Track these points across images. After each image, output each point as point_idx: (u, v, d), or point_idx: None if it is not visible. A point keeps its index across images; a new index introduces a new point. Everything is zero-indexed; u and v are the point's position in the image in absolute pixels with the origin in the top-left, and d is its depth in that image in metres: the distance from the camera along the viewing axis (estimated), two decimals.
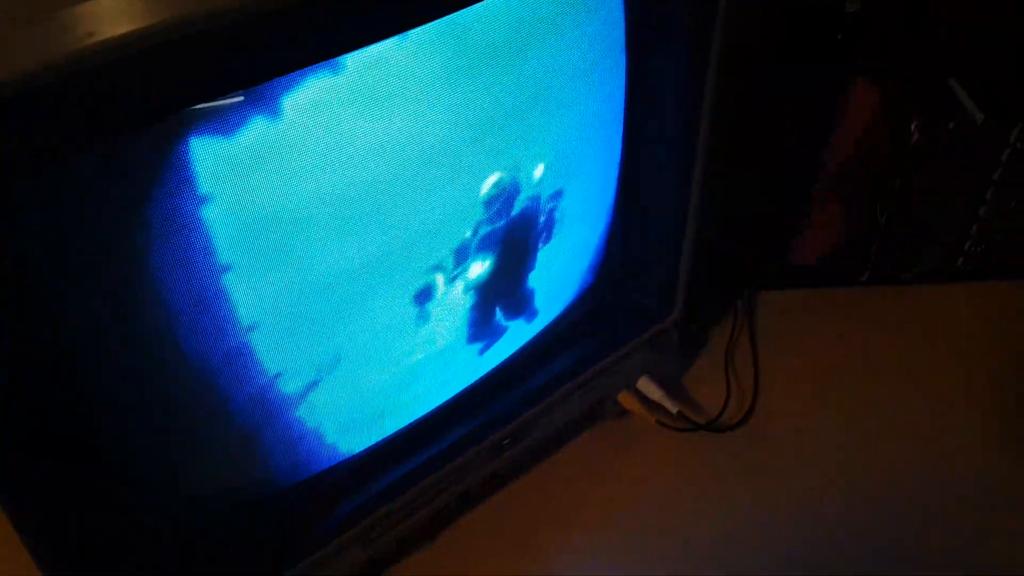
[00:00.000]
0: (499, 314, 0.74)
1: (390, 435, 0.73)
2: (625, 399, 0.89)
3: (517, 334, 0.77)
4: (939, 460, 0.89)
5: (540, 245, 0.73)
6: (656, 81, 0.73)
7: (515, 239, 0.70)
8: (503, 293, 0.72)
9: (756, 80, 0.95)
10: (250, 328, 0.59)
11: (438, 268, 0.65)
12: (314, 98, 0.52)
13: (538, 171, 0.68)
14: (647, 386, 0.89)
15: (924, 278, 1.06)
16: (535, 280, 0.74)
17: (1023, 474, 0.88)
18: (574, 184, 0.72)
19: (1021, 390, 0.95)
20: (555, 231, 0.73)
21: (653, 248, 0.84)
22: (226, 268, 0.55)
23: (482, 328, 0.73)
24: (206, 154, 0.50)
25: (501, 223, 0.67)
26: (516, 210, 0.68)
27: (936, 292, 1.05)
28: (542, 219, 0.71)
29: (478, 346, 0.74)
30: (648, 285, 0.86)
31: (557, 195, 0.71)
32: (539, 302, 0.77)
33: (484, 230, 0.66)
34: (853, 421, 0.93)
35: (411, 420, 0.74)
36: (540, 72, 0.63)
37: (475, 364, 0.75)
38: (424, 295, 0.66)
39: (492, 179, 0.64)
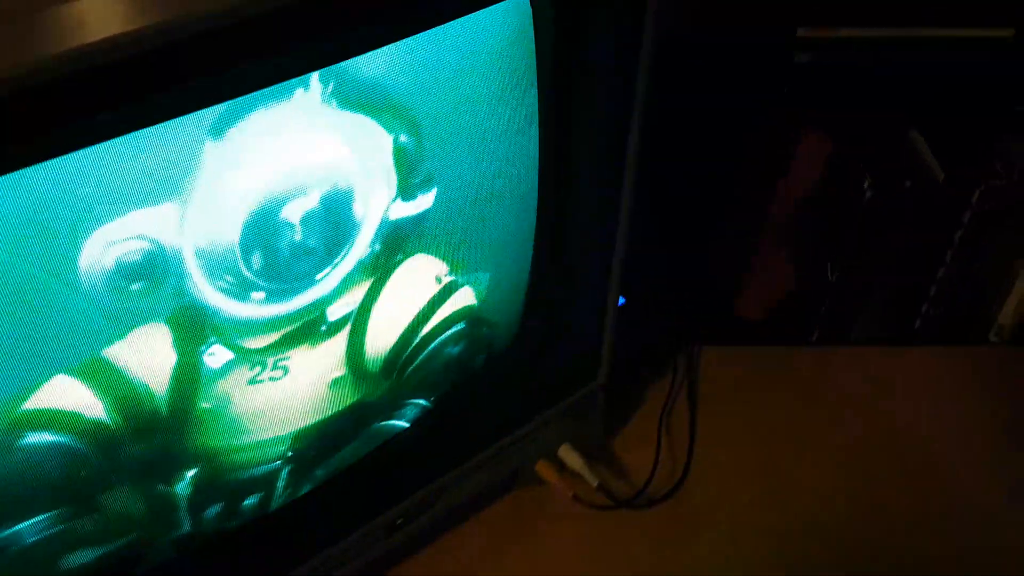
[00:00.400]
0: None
1: (260, 514, 0.66)
2: (543, 468, 0.82)
3: (399, 420, 0.70)
4: (885, 539, 0.83)
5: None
6: (575, 127, 0.67)
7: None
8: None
9: (694, 129, 0.89)
10: None
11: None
12: None
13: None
14: (568, 454, 0.83)
15: (878, 340, 0.99)
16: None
17: (970, 548, 0.82)
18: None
19: (970, 467, 0.89)
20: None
21: (575, 307, 0.78)
22: None
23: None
24: None
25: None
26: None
27: (891, 356, 0.99)
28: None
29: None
30: (570, 347, 0.80)
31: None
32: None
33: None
34: (794, 495, 0.87)
35: (284, 497, 0.67)
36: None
37: (353, 446, 0.68)
38: None
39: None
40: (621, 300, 0.97)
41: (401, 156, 0.57)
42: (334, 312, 0.59)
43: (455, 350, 0.71)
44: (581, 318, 0.78)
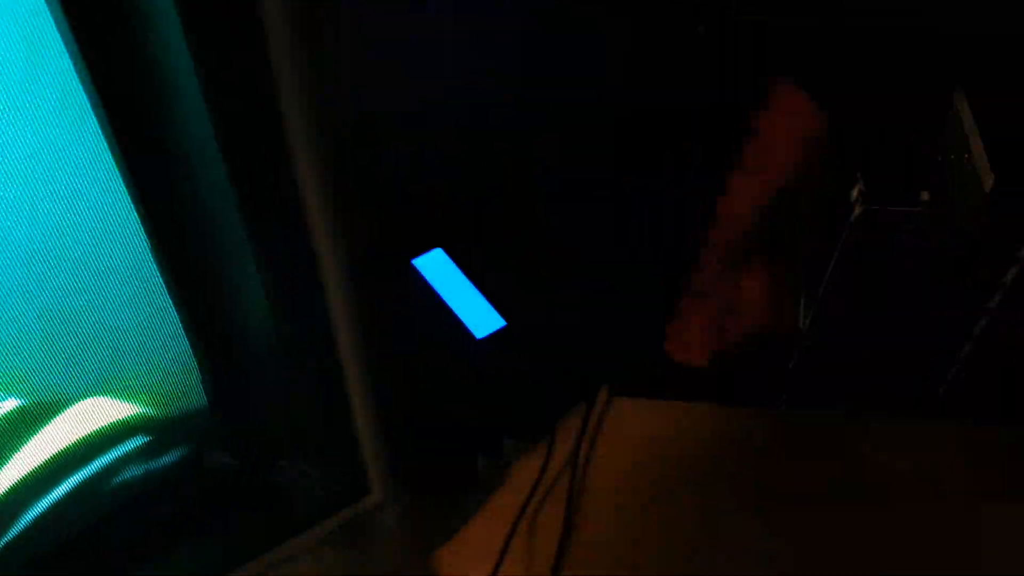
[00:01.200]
0: None
1: None
2: None
3: None
4: None
5: None
6: None
7: None
8: None
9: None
10: None
11: None
12: None
13: None
14: None
15: (877, 410, 0.67)
16: None
17: None
18: None
19: None
20: None
21: (290, 385, 0.48)
22: None
23: None
24: None
25: None
26: None
27: (898, 432, 0.69)
28: None
29: None
30: (304, 451, 0.50)
31: None
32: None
33: None
34: None
35: None
36: None
37: None
38: None
39: None
40: (500, 323, 0.68)
41: None
42: None
43: (140, 471, 0.49)
44: (307, 402, 0.48)
